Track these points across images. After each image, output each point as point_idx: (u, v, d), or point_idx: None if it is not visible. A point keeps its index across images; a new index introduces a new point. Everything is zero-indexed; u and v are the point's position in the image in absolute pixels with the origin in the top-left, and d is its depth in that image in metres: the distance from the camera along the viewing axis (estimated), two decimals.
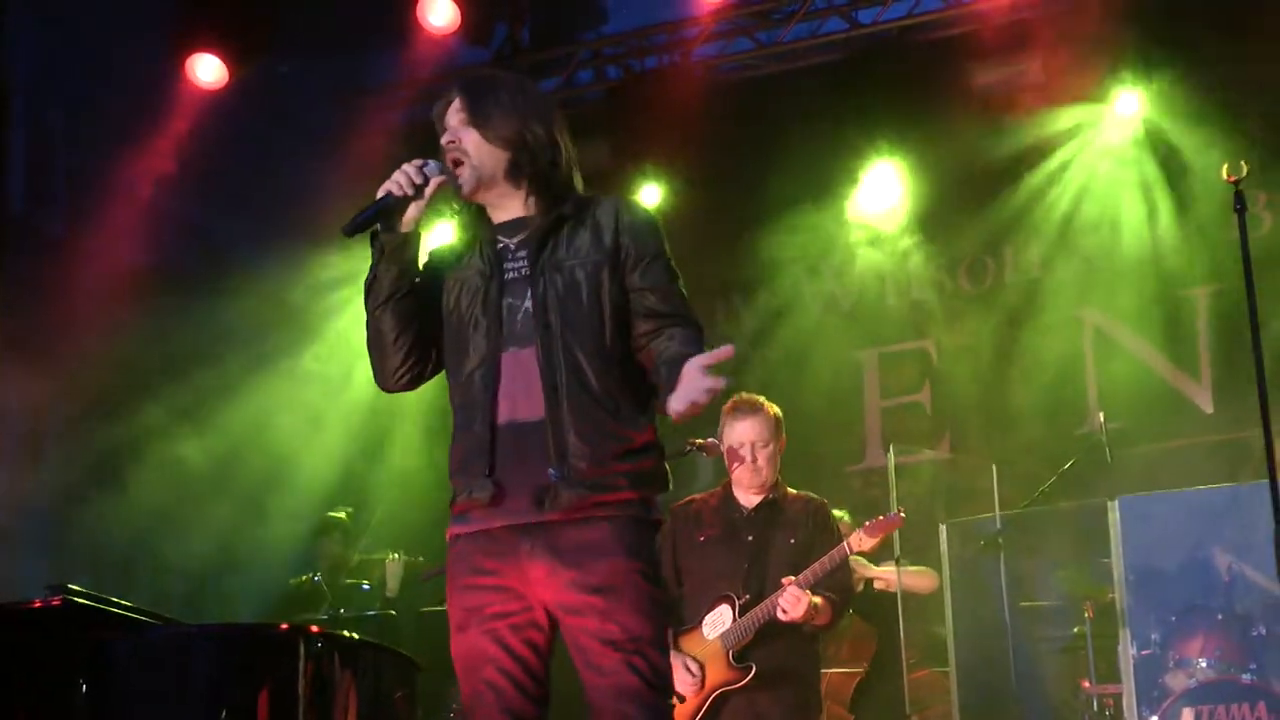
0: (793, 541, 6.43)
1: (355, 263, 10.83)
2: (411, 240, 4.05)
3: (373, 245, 4.02)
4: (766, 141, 10.22)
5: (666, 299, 4.03)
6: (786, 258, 10.60)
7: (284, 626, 5.46)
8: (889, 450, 8.65)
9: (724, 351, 3.72)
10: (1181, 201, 9.65)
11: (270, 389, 10.44)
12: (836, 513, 8.03)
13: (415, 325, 4.05)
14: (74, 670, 5.00)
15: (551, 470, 3.84)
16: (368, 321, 4.09)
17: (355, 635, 5.74)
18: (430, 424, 10.90)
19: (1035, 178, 9.92)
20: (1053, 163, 9.87)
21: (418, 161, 4.02)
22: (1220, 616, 7.94)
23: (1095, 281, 10.02)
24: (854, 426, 10.81)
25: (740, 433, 6.46)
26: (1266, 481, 5.13)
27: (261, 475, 10.11)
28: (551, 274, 3.96)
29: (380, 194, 3.99)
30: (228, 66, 10.14)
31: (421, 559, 9.17)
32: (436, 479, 10.50)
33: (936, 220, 10.43)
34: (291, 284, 10.47)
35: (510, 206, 4.09)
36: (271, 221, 10.07)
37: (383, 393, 4.24)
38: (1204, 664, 7.82)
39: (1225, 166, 5.32)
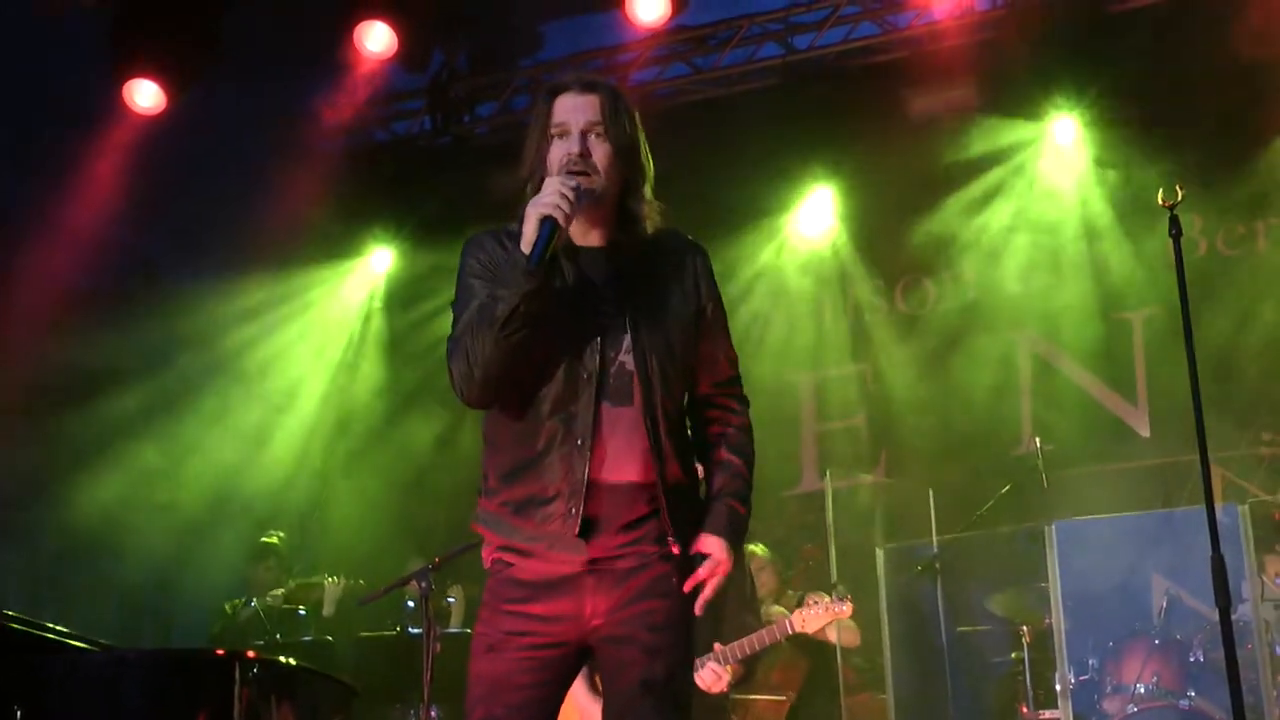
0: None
1: (290, 287, 10.82)
2: (557, 261, 3.71)
3: (524, 272, 3.56)
4: (703, 166, 10.21)
5: (733, 364, 4.02)
6: (723, 281, 10.55)
7: (220, 652, 5.42)
8: (825, 475, 8.63)
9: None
10: (1117, 225, 9.72)
11: (206, 413, 10.38)
12: (752, 548, 8.00)
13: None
14: (8, 696, 4.94)
15: (674, 542, 3.77)
16: (491, 346, 3.60)
17: (291, 661, 5.68)
18: (365, 448, 10.88)
19: (971, 202, 9.97)
20: (989, 187, 9.92)
21: (570, 181, 3.61)
22: (1158, 642, 7.97)
23: (1031, 305, 10.07)
24: (790, 450, 10.80)
25: None
26: (1203, 506, 5.14)
27: (198, 499, 10.02)
28: (651, 334, 3.77)
29: (541, 216, 3.56)
30: (165, 92, 10.07)
31: (361, 582, 9.10)
32: (371, 504, 10.60)
33: (873, 244, 10.48)
34: (226, 307, 10.40)
35: (596, 231, 3.83)
36: (208, 246, 10.00)
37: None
38: (1142, 689, 7.85)
39: (1161, 191, 5.34)
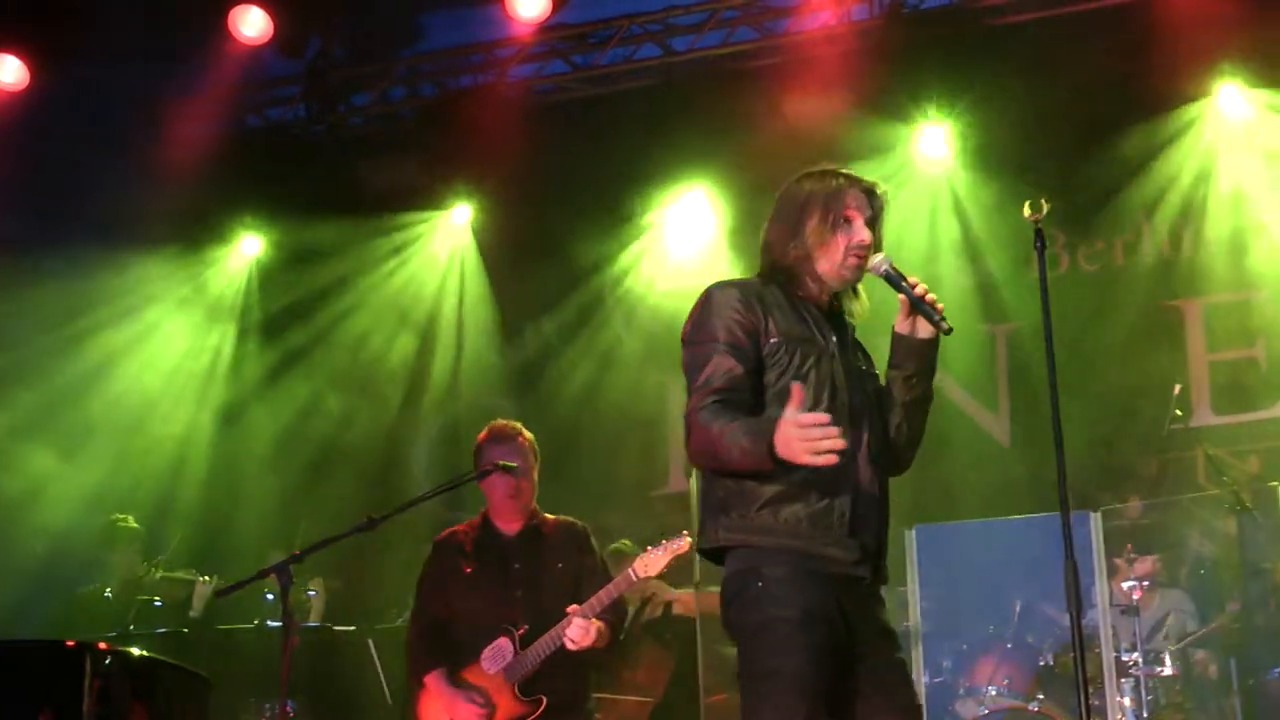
0: (561, 567, 6.44)
1: (158, 273, 10.67)
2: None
3: (772, 459, 4.06)
4: (580, 164, 10.24)
5: None
6: (595, 280, 10.64)
7: (70, 644, 5.31)
8: (691, 475, 8.68)
9: None
10: (984, 238, 9.87)
11: (71, 400, 10.20)
12: (618, 545, 8.06)
13: None
14: None
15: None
16: (727, 466, 4.21)
17: (145, 653, 5.60)
18: (234, 437, 10.77)
19: None
20: None
21: (827, 453, 4.03)
22: (1010, 646, 8.12)
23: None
24: (657, 451, 10.86)
25: (501, 460, 6.41)
26: (1058, 513, 5.24)
27: (69, 491, 9.84)
28: (863, 376, 4.44)
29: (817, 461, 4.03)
30: (29, 67, 9.88)
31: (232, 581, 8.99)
32: (242, 496, 10.49)
33: (746, 246, 10.52)
34: (90, 292, 10.23)
35: (828, 299, 4.46)
36: (72, 229, 9.81)
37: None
38: (993, 692, 8.00)
39: (1027, 205, 5.43)
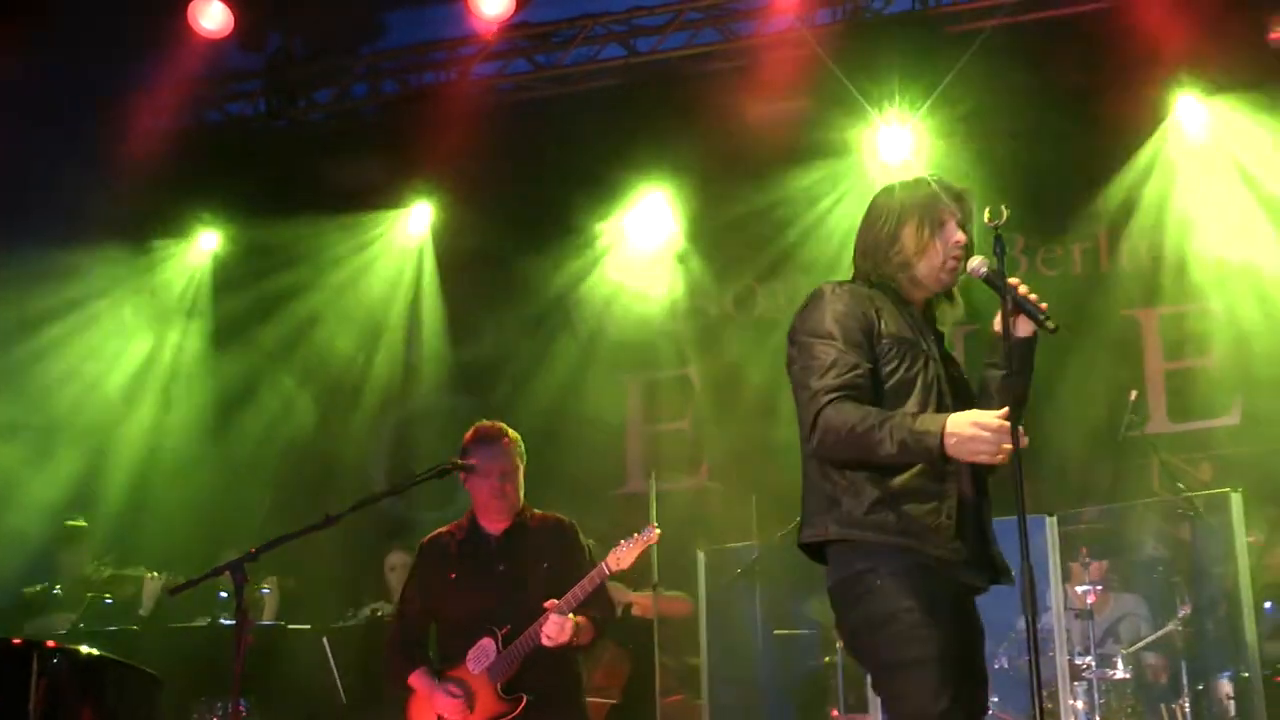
0: (546, 566, 6.42)
1: (113, 269, 10.59)
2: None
3: (938, 458, 4.18)
4: (541, 163, 10.24)
5: None
6: (556, 279, 10.62)
7: (16, 641, 5.26)
8: (650, 476, 8.68)
9: None
10: None
11: (21, 398, 10.13)
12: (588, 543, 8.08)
13: None
14: None
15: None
16: (867, 460, 4.25)
17: (94, 651, 5.56)
18: (190, 436, 10.70)
19: (802, 211, 10.08)
20: (821, 196, 10.03)
21: (1008, 446, 4.15)
22: None
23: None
24: (617, 451, 10.85)
25: (485, 461, 6.42)
26: (1014, 516, 5.27)
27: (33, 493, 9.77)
28: (958, 380, 4.54)
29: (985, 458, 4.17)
30: None
31: (182, 578, 8.93)
32: (194, 495, 10.42)
33: (705, 249, 10.56)
34: (43, 288, 10.15)
35: (923, 304, 4.60)
36: (27, 223, 9.73)
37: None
38: None
39: (986, 211, 5.46)
